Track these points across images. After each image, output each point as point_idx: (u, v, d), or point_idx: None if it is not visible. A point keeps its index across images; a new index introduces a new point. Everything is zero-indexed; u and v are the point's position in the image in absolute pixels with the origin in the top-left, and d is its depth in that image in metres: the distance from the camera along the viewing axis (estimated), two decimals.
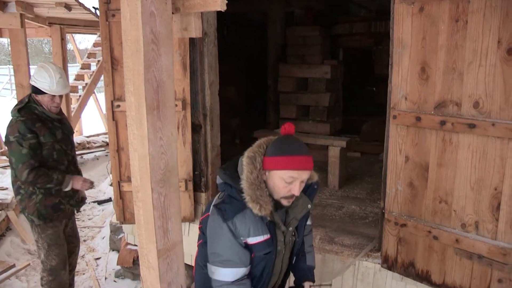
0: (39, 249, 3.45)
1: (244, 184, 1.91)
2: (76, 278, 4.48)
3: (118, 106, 3.66)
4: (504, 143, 2.39)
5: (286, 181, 1.88)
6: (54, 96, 3.23)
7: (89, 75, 10.46)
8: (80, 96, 9.97)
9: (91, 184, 3.46)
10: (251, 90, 8.47)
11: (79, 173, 3.61)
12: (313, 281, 2.36)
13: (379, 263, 3.15)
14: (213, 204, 2.03)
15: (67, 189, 3.31)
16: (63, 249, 3.46)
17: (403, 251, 2.92)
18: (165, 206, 1.93)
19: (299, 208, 2.07)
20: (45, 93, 3.19)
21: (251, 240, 1.94)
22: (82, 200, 3.65)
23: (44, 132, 3.20)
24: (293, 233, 2.14)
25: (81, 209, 4.04)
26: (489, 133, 2.41)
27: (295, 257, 2.28)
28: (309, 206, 2.11)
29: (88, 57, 10.69)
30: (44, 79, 3.18)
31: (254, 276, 2.05)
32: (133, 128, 1.84)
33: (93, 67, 10.56)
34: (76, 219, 3.85)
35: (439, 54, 2.57)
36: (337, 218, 4.08)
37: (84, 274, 4.63)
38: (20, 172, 3.11)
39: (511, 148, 2.37)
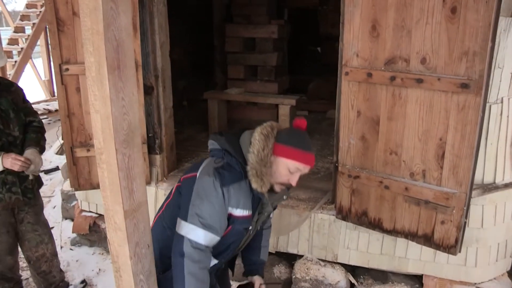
0: None
1: (253, 158, 1.95)
2: None
3: (67, 69, 3.52)
4: (448, 96, 2.56)
5: (290, 171, 1.97)
6: None
7: (23, 39, 9.86)
8: (16, 62, 9.41)
9: (25, 163, 2.86)
10: (197, 51, 8.35)
11: (29, 138, 3.10)
12: (263, 276, 2.46)
13: (333, 215, 3.32)
14: (214, 167, 2.01)
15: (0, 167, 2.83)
16: (7, 236, 3.08)
17: (357, 202, 3.10)
18: (129, 166, 1.93)
19: (277, 197, 2.15)
20: None
21: (238, 213, 2.00)
22: (38, 184, 3.23)
23: None
24: (264, 220, 2.25)
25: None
26: (435, 87, 2.57)
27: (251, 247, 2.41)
28: (285, 197, 2.22)
29: (21, 20, 10.04)
30: None
31: (222, 247, 2.10)
32: (94, 89, 1.80)
33: (28, 31, 9.96)
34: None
35: (388, 12, 2.67)
36: None
37: None
38: None
39: (454, 101, 2.54)
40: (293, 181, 2.00)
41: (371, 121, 2.89)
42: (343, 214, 3.20)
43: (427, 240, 2.85)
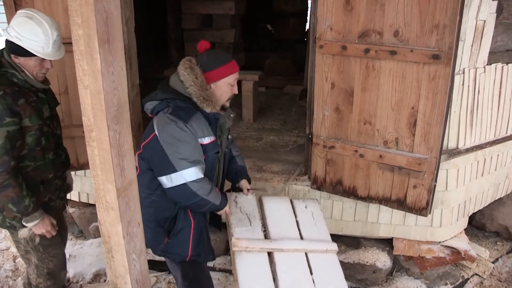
0: (28, 254, 2.74)
1: (193, 89, 2.19)
2: None
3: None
4: (420, 67, 2.70)
5: (231, 84, 2.29)
6: (44, 60, 2.38)
7: None
8: None
9: (53, 230, 2.59)
10: (148, 29, 8.15)
11: (65, 154, 2.85)
12: (249, 179, 2.70)
13: (307, 185, 3.44)
14: (167, 114, 2.19)
15: (30, 224, 2.47)
16: (61, 249, 2.85)
17: (331, 171, 3.22)
18: (120, 143, 1.90)
19: (228, 113, 2.43)
20: (33, 55, 2.33)
21: (205, 140, 2.24)
22: (68, 188, 2.96)
23: (30, 112, 2.35)
24: (226, 143, 2.52)
25: None
26: (408, 58, 2.70)
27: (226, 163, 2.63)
28: (232, 115, 2.48)
29: None
30: (35, 36, 2.29)
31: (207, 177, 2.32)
32: (82, 63, 1.73)
33: None
34: None
35: None
36: (259, 148, 4.30)
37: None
38: None
39: (426, 72, 2.69)
40: (235, 90, 2.33)
41: (345, 93, 3.00)
42: (318, 184, 3.33)
43: (400, 204, 3.03)
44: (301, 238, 2.44)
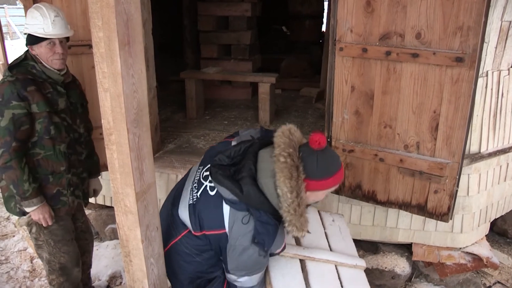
0: (40, 249, 2.79)
1: (287, 213, 1.77)
2: (6, 241, 4.25)
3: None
4: (442, 70, 2.64)
5: (326, 195, 1.91)
6: (53, 43, 2.50)
7: None
8: None
9: (49, 219, 2.64)
10: (164, 31, 8.17)
11: (91, 157, 2.97)
12: None
13: None
14: (249, 236, 1.84)
15: (27, 209, 2.55)
16: (73, 245, 2.86)
17: (350, 175, 3.17)
18: (139, 147, 1.89)
19: None
20: (41, 40, 2.48)
21: (277, 250, 2.06)
22: (95, 192, 3.08)
23: (38, 98, 2.46)
24: None
25: None
26: (430, 61, 2.65)
27: None
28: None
29: None
30: (35, 20, 2.47)
31: None
32: (102, 66, 1.73)
33: None
34: None
35: None
36: None
37: (14, 236, 4.37)
38: None
39: (448, 75, 2.63)
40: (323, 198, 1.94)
41: (365, 96, 2.95)
42: (336, 188, 3.27)
43: (421, 209, 2.97)
44: (330, 249, 2.41)
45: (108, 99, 1.77)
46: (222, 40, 6.45)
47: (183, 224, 2.08)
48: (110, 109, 1.79)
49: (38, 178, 2.57)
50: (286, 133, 1.85)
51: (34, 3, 3.29)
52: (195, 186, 2.07)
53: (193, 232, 2.02)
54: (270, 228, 1.83)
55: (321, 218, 2.67)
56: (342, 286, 2.18)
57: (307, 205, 1.86)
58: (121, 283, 3.64)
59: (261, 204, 1.82)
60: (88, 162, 2.93)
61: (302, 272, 2.22)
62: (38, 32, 2.46)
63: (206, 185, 2.01)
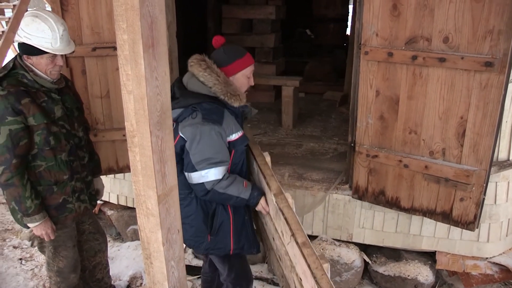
0: (42, 248, 2.84)
1: (218, 87, 2.23)
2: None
3: (72, 51, 3.42)
4: (470, 75, 2.58)
5: (248, 76, 2.37)
6: (55, 56, 2.43)
7: (4, 22, 9.50)
8: None
9: (51, 234, 2.63)
10: (188, 34, 8.23)
11: (93, 158, 2.95)
12: None
13: (348, 195, 3.35)
14: (199, 119, 2.20)
15: (30, 225, 2.54)
16: (73, 251, 2.84)
17: (374, 181, 3.12)
18: (162, 149, 1.89)
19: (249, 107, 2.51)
20: (44, 52, 2.38)
21: (234, 136, 2.29)
22: (97, 193, 3.03)
23: (34, 110, 2.38)
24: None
25: None
26: (458, 66, 2.59)
27: None
28: (249, 103, 2.50)
29: None
30: (42, 33, 2.34)
31: (236, 169, 2.40)
32: (126, 68, 1.73)
33: (8, 14, 9.60)
34: None
35: None
36: (299, 155, 4.23)
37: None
38: None
39: (477, 80, 2.57)
40: (252, 81, 2.41)
41: (390, 101, 2.90)
42: (360, 194, 3.23)
43: (445, 217, 2.90)
44: None
45: (132, 102, 1.78)
46: (246, 43, 6.45)
47: None
48: (133, 112, 1.79)
49: (40, 192, 2.54)
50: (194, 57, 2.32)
51: (61, 7, 3.36)
52: None
53: None
54: (214, 107, 2.22)
55: None
56: None
57: (246, 91, 2.40)
58: (141, 284, 3.65)
59: (198, 97, 2.24)
60: (90, 165, 2.90)
61: None
62: (44, 46, 2.36)
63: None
